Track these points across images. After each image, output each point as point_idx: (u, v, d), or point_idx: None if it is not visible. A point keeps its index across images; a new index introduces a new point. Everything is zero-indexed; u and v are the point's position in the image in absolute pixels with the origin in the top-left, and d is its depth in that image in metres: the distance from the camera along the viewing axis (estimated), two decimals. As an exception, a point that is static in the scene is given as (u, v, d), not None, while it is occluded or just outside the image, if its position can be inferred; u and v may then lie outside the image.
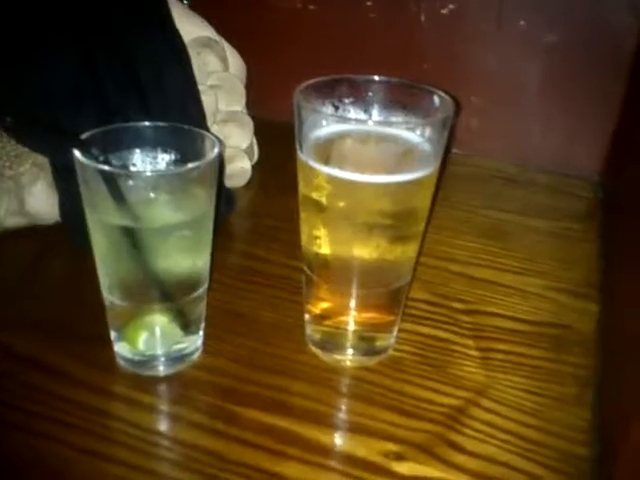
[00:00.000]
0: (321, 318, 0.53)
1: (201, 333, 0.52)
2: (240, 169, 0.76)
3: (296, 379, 0.50)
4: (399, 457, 0.44)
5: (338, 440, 0.45)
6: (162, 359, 0.50)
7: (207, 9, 0.76)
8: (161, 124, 0.49)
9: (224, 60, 0.75)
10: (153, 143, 0.49)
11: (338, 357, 0.52)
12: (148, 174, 0.47)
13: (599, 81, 0.80)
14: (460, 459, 0.44)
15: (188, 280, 0.49)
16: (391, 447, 0.45)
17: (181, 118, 0.65)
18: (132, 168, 0.49)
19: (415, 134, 0.46)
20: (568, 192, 0.82)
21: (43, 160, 0.62)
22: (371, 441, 0.45)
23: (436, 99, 0.48)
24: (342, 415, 0.47)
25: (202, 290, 0.50)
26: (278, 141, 0.81)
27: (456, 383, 0.50)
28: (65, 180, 0.61)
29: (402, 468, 0.43)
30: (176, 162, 0.49)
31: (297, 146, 0.48)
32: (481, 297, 0.61)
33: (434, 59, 0.85)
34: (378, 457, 0.44)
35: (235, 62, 0.77)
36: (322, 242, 0.48)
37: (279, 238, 0.68)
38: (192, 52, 0.70)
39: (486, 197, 0.79)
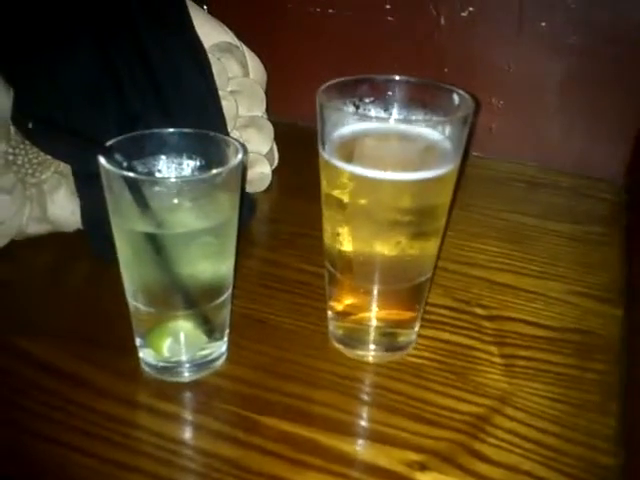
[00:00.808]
0: (344, 315, 0.53)
1: (225, 339, 0.52)
2: (260, 174, 0.76)
3: (317, 387, 0.50)
4: (422, 467, 0.44)
5: (360, 449, 0.45)
6: (187, 365, 0.50)
7: (227, 14, 0.77)
8: (186, 130, 0.49)
9: (244, 65, 0.75)
10: (178, 149, 0.49)
11: (360, 353, 0.53)
12: (172, 180, 0.48)
13: (621, 82, 0.79)
14: (483, 468, 0.44)
15: (212, 286, 0.49)
16: (414, 457, 0.44)
17: (201, 123, 0.65)
18: (157, 174, 0.49)
19: (436, 132, 0.47)
20: (590, 195, 0.81)
21: (65, 168, 0.63)
22: (393, 450, 0.45)
23: (456, 97, 0.49)
24: (363, 423, 0.47)
25: (226, 296, 0.50)
26: (298, 145, 0.82)
27: (478, 390, 0.50)
28: (87, 188, 0.62)
29: (425, 478, 0.43)
30: (201, 168, 0.49)
31: (319, 145, 0.48)
32: (503, 302, 0.60)
33: (454, 62, 0.84)
34: (401, 467, 0.44)
35: (255, 67, 0.77)
36: (345, 239, 0.49)
37: (299, 244, 0.68)
38: (212, 57, 0.70)
39: (507, 200, 0.78)
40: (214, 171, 0.45)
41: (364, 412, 0.48)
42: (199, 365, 0.51)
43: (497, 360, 0.53)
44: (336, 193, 0.48)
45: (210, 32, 0.72)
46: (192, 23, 0.70)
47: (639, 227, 0.68)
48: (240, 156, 0.46)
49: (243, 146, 0.47)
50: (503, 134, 0.86)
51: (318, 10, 0.89)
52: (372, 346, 0.53)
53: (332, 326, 0.55)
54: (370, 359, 0.53)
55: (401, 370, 0.52)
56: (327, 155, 0.48)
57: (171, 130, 0.49)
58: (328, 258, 0.52)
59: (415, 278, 0.51)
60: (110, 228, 0.61)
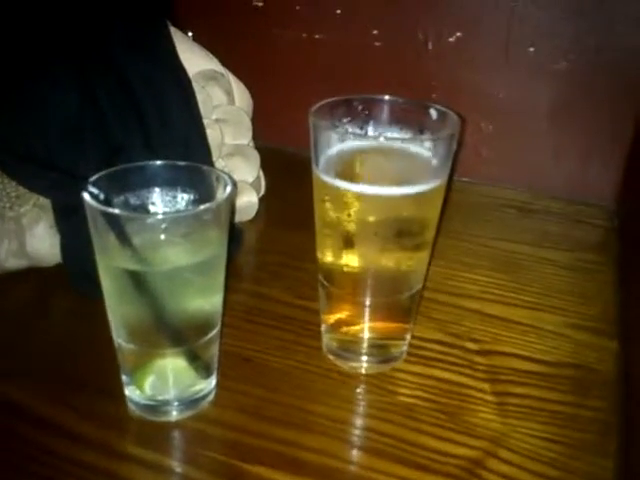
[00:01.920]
0: (337, 327, 0.55)
1: (214, 374, 0.50)
2: (247, 203, 0.75)
3: (306, 431, 0.48)
4: (413, 516, 0.42)
5: (350, 498, 0.43)
6: (175, 403, 0.49)
7: (211, 41, 0.76)
8: (179, 163, 0.48)
9: (229, 93, 0.74)
10: (172, 182, 0.48)
11: (354, 365, 0.54)
12: (157, 217, 0.46)
13: (610, 106, 0.79)
14: (477, 516, 0.42)
15: (200, 323, 0.48)
16: (405, 505, 0.43)
17: (185, 154, 0.64)
18: (151, 207, 0.48)
19: (424, 149, 0.49)
20: (582, 221, 0.80)
21: (45, 201, 0.61)
22: (383, 499, 0.43)
23: (440, 114, 0.51)
24: (353, 470, 0.45)
25: (215, 332, 0.49)
26: (286, 172, 0.81)
27: (471, 432, 0.48)
28: (67, 222, 0.60)
29: (417, 529, 0.41)
30: (195, 202, 0.48)
31: (313, 163, 0.50)
32: (495, 336, 0.59)
33: (442, 87, 0.84)
34: (391, 517, 0.42)
35: (241, 94, 0.76)
36: (337, 254, 0.51)
37: (287, 276, 0.66)
38: (197, 86, 0.69)
39: (497, 227, 0.77)
40: (201, 207, 0.44)
41: (354, 457, 0.46)
42: (188, 403, 0.49)
43: (490, 398, 0.51)
44: (331, 209, 0.49)
45: (194, 60, 0.71)
46: (176, 51, 0.68)
47: (632, 253, 0.67)
48: (229, 190, 0.45)
49: (232, 180, 0.46)
50: (493, 159, 0.85)
51: (304, 35, 0.88)
52: (365, 357, 0.54)
53: (326, 338, 0.56)
54: (363, 370, 0.54)
55: (393, 411, 0.50)
56: (321, 173, 0.49)
57: (164, 162, 0.48)
58: (322, 272, 0.54)
59: (407, 290, 0.52)
60: (91, 264, 0.60)
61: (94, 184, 0.43)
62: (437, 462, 0.45)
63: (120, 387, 0.49)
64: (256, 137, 0.78)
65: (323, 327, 0.56)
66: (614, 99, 0.78)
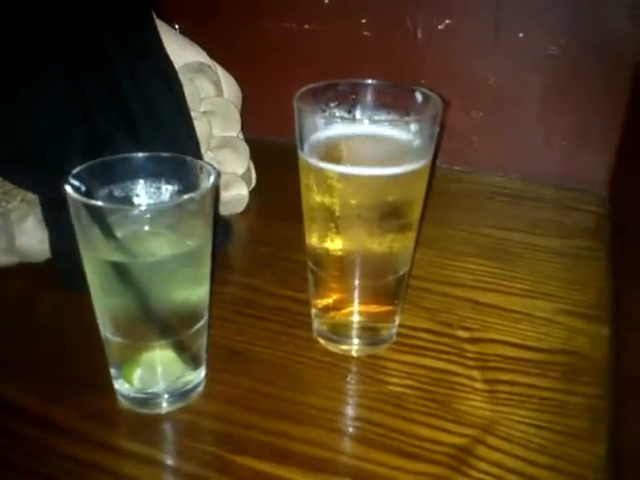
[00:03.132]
0: (327, 311, 0.55)
1: (203, 366, 0.50)
2: (237, 195, 0.75)
3: (294, 421, 0.48)
4: (402, 505, 0.42)
5: (338, 488, 0.43)
6: (165, 396, 0.48)
7: (199, 33, 0.75)
8: (163, 154, 0.48)
9: (217, 85, 0.73)
10: (156, 174, 0.48)
11: (345, 347, 0.55)
12: (141, 208, 0.46)
13: (602, 92, 0.78)
14: (467, 504, 0.42)
15: (187, 314, 0.47)
16: (394, 494, 0.42)
17: (172, 146, 0.63)
18: (135, 199, 0.48)
19: (409, 131, 0.50)
20: (575, 207, 0.79)
21: (33, 197, 0.61)
22: (373, 488, 0.43)
23: (425, 97, 0.52)
24: (343, 460, 0.45)
25: (202, 323, 0.48)
26: (276, 164, 0.80)
27: (461, 420, 0.48)
28: (55, 217, 0.60)
29: (405, 517, 0.41)
30: (179, 193, 0.48)
31: (299, 147, 0.51)
32: (487, 324, 0.59)
33: (432, 75, 0.83)
34: (380, 505, 0.42)
35: (229, 86, 0.75)
36: (325, 237, 0.51)
37: (277, 267, 0.66)
38: (184, 78, 0.68)
39: (489, 215, 0.77)
40: (185, 197, 0.44)
41: (343, 447, 0.46)
42: (177, 395, 0.49)
43: (479, 386, 0.51)
44: (319, 193, 0.50)
45: (181, 52, 0.70)
46: (162, 42, 0.68)
47: (624, 239, 0.67)
48: (212, 180, 0.45)
49: (216, 170, 0.46)
50: (484, 147, 0.85)
51: (294, 26, 0.88)
52: (355, 340, 0.55)
53: (316, 323, 0.56)
54: (354, 353, 0.55)
55: (382, 400, 0.50)
56: (307, 156, 0.50)
57: (148, 154, 0.48)
58: (310, 257, 0.54)
59: (393, 272, 0.53)
60: (78, 258, 0.59)
61: (76, 177, 0.43)
62: (427, 450, 0.45)
63: (109, 381, 0.49)
64: (245, 129, 0.77)
65: (313, 311, 0.56)
66: (605, 85, 0.77)
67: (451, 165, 0.84)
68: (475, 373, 0.52)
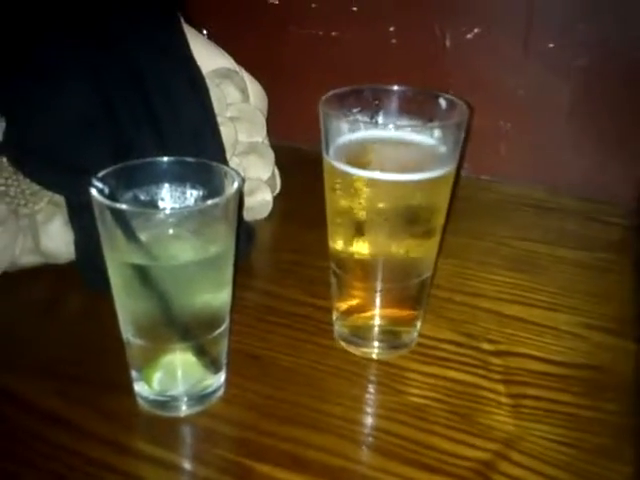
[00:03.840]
0: (349, 314, 0.56)
1: (224, 371, 0.50)
2: (261, 201, 0.75)
3: (314, 430, 0.47)
4: (422, 519, 0.41)
5: (358, 499, 0.43)
6: (184, 399, 0.48)
7: (226, 39, 0.75)
8: (188, 159, 0.49)
9: (244, 91, 0.73)
10: (181, 178, 0.48)
11: (365, 350, 0.55)
12: (165, 212, 0.46)
13: (630, 103, 0.77)
14: (488, 520, 0.41)
15: (208, 319, 0.48)
16: (414, 507, 0.42)
17: (198, 152, 0.64)
18: (160, 203, 0.48)
19: (433, 137, 0.50)
20: (601, 220, 0.78)
21: (60, 198, 0.61)
22: (393, 500, 0.42)
23: (450, 103, 0.52)
24: (362, 471, 0.45)
25: (223, 328, 0.48)
26: (300, 170, 0.80)
27: (484, 434, 0.47)
28: (80, 219, 0.60)
29: (426, 531, 0.40)
30: (204, 198, 0.48)
31: (324, 152, 0.51)
32: (511, 336, 0.58)
33: (459, 84, 0.82)
34: (400, 519, 0.41)
35: (256, 92, 0.76)
36: (350, 241, 0.52)
37: (300, 274, 0.66)
38: (211, 83, 0.69)
39: (514, 226, 0.76)
40: (209, 202, 0.44)
41: (363, 457, 0.46)
42: (197, 399, 0.49)
43: (504, 400, 0.50)
44: (341, 196, 0.51)
45: (209, 58, 0.71)
46: (190, 49, 0.68)
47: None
48: (236, 186, 0.45)
49: (240, 176, 0.46)
50: (511, 157, 0.84)
51: (320, 33, 0.88)
52: (376, 343, 0.55)
53: (337, 326, 0.57)
54: (374, 356, 0.55)
55: (404, 412, 0.49)
56: (333, 160, 0.50)
57: (174, 159, 0.48)
58: (333, 260, 0.55)
59: (416, 277, 0.53)
60: (102, 259, 0.60)
61: (100, 179, 0.43)
62: (448, 464, 0.45)
63: (129, 382, 0.49)
64: (271, 135, 0.77)
65: (335, 315, 0.57)
66: (634, 96, 0.76)
67: (478, 174, 0.83)
68: (500, 387, 0.52)
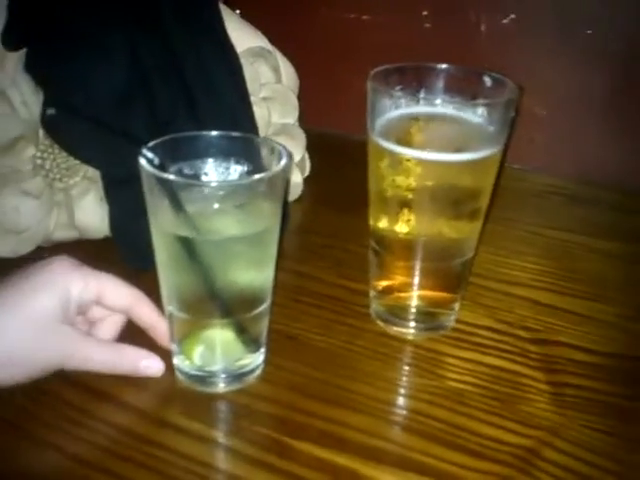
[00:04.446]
0: (388, 293, 0.56)
1: (263, 350, 0.50)
2: (292, 182, 0.74)
3: (351, 410, 0.47)
4: (467, 502, 0.40)
5: (399, 481, 0.42)
6: (222, 375, 0.48)
7: (259, 19, 0.74)
8: (234, 134, 0.48)
9: (277, 71, 0.73)
10: (226, 153, 0.48)
11: (402, 330, 0.55)
12: (211, 185, 0.46)
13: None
14: (532, 506, 0.41)
15: (250, 296, 0.47)
16: (457, 491, 0.41)
17: (232, 127, 0.63)
18: (204, 178, 0.48)
19: (478, 115, 0.50)
20: (635, 211, 0.77)
21: (94, 173, 0.61)
22: (435, 483, 0.42)
23: (496, 82, 0.52)
24: (402, 452, 0.44)
25: (264, 307, 0.48)
26: (330, 154, 0.80)
27: (526, 421, 0.47)
28: (116, 192, 0.59)
29: (470, 515, 0.40)
30: (248, 173, 0.48)
31: (370, 130, 0.51)
32: (548, 325, 0.57)
33: (494, 70, 0.81)
34: (444, 502, 0.41)
35: (288, 73, 0.75)
36: (394, 219, 0.51)
37: (330, 256, 0.65)
38: (245, 62, 0.68)
39: (548, 215, 0.75)
40: (256, 176, 0.44)
41: (401, 439, 0.45)
42: (235, 376, 0.48)
43: (545, 388, 0.50)
44: (388, 175, 0.50)
45: (243, 36, 0.70)
46: (224, 27, 0.67)
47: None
48: (284, 162, 0.44)
49: (288, 152, 0.45)
50: (545, 146, 0.83)
51: (352, 16, 0.87)
52: (413, 324, 0.55)
53: (375, 304, 0.56)
54: (410, 337, 0.54)
55: (442, 395, 0.49)
56: (377, 137, 0.50)
57: (220, 133, 0.48)
58: (374, 238, 0.54)
59: (459, 257, 0.53)
60: (139, 235, 0.59)
61: (150, 150, 0.43)
62: (491, 449, 0.44)
63: (168, 357, 0.49)
64: (300, 119, 0.77)
65: (372, 293, 0.57)
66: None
67: (511, 163, 0.82)
68: (539, 375, 0.51)
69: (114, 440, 0.44)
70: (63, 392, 0.47)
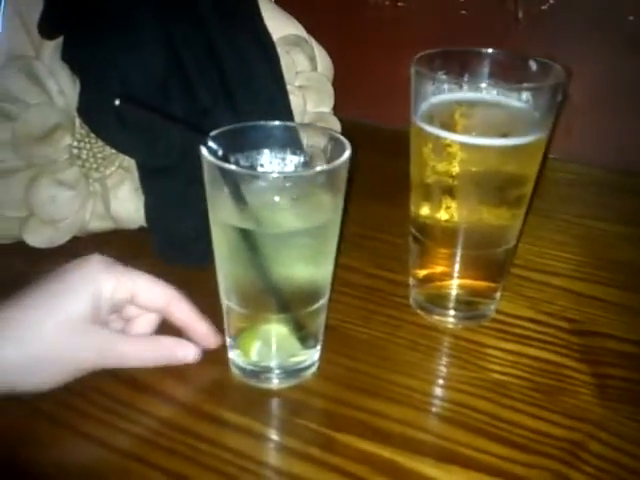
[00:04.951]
0: (428, 281, 0.55)
1: (319, 347, 0.49)
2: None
3: (393, 402, 0.46)
4: (514, 497, 0.40)
5: (444, 474, 0.41)
6: (277, 371, 0.48)
7: (294, 6, 0.74)
8: (290, 124, 0.47)
9: (312, 59, 0.72)
10: (282, 144, 0.47)
11: (441, 319, 0.54)
12: (274, 176, 0.45)
13: None
14: (582, 501, 0.40)
15: (308, 291, 0.46)
16: (503, 484, 0.40)
17: (269, 120, 0.63)
18: (259, 169, 0.47)
19: (522, 101, 0.49)
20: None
21: (130, 163, 0.61)
22: (481, 476, 0.41)
23: (543, 67, 0.51)
24: (445, 445, 0.43)
25: (322, 302, 0.47)
26: (364, 144, 0.78)
27: (571, 413, 0.46)
28: (152, 183, 0.59)
29: (517, 509, 0.39)
30: (305, 164, 0.47)
31: (413, 115, 0.50)
32: (589, 316, 0.56)
33: (531, 57, 0.80)
34: (490, 496, 0.40)
35: (323, 61, 0.74)
36: (437, 205, 0.51)
37: (366, 246, 0.65)
38: (281, 51, 0.67)
39: (587, 206, 0.74)
40: (317, 168, 0.43)
41: (445, 432, 0.44)
42: (290, 373, 0.48)
43: (589, 379, 0.49)
44: (432, 160, 0.49)
45: (278, 24, 0.69)
46: (260, 15, 0.67)
47: None
48: (347, 154, 0.43)
49: (350, 144, 0.44)
50: (583, 135, 0.81)
51: (387, 3, 0.86)
52: (452, 312, 0.54)
53: (414, 292, 0.56)
54: (450, 325, 0.54)
55: (485, 387, 0.48)
56: (420, 122, 0.49)
57: (276, 123, 0.47)
58: (415, 225, 0.54)
59: (503, 244, 0.52)
60: (174, 226, 0.59)
61: (214, 139, 0.42)
62: (537, 442, 0.43)
63: (223, 351, 0.49)
64: (335, 108, 0.76)
65: (412, 281, 0.56)
66: None
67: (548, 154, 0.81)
68: (583, 366, 0.50)
69: (163, 434, 0.43)
70: (108, 385, 0.47)
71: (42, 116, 0.58)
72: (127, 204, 0.62)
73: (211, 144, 0.42)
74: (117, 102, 0.40)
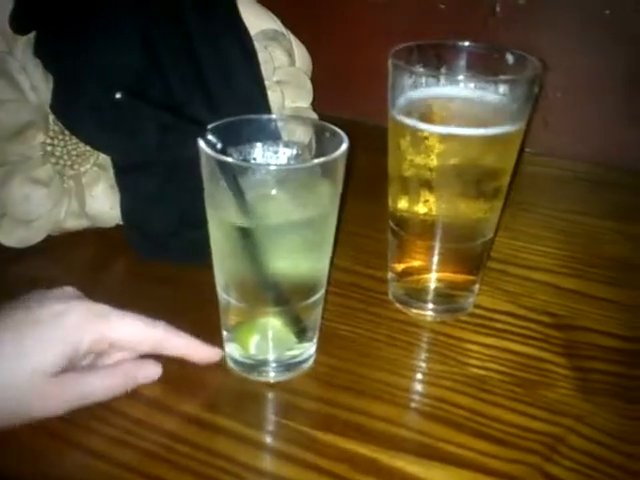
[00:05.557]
0: (406, 274, 0.55)
1: (315, 340, 0.49)
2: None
3: (374, 399, 0.46)
4: (493, 492, 0.40)
5: (424, 471, 0.41)
6: (273, 365, 0.47)
7: (272, 0, 0.73)
8: (284, 116, 0.46)
9: (291, 54, 0.71)
10: (274, 136, 0.47)
11: (420, 312, 0.54)
12: (271, 168, 0.45)
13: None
14: (561, 495, 0.40)
15: (305, 283, 0.46)
16: (483, 480, 0.40)
17: (247, 113, 0.62)
18: (252, 162, 0.47)
19: (499, 93, 0.49)
20: (656, 194, 0.76)
21: (105, 160, 0.60)
22: (461, 472, 0.41)
23: (518, 59, 0.51)
24: (426, 441, 0.43)
25: (319, 295, 0.47)
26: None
27: (551, 407, 0.46)
28: (128, 181, 0.58)
29: (497, 504, 0.39)
30: (298, 157, 0.47)
31: (391, 108, 0.50)
32: (571, 310, 0.56)
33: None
34: (470, 491, 0.40)
35: (301, 56, 0.73)
36: (415, 199, 0.51)
37: (350, 244, 0.63)
38: (259, 46, 0.66)
39: (568, 200, 0.74)
40: (315, 161, 0.43)
41: (428, 429, 0.44)
42: (286, 366, 0.48)
43: (569, 373, 0.49)
44: (410, 153, 0.49)
45: (256, 19, 0.68)
46: (238, 9, 0.66)
47: None
48: (345, 146, 0.43)
49: (346, 136, 0.44)
50: (562, 129, 0.81)
51: (366, -2, 0.85)
52: (431, 305, 0.54)
53: (393, 287, 0.56)
54: (428, 318, 0.54)
55: (465, 382, 0.48)
56: (398, 115, 0.49)
57: (268, 116, 0.47)
58: (393, 219, 0.54)
59: (480, 237, 0.53)
60: (149, 222, 0.58)
61: (212, 133, 0.42)
62: (516, 437, 0.43)
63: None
64: (313, 103, 0.75)
65: (390, 275, 0.56)
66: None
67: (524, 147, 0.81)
68: (563, 360, 0.50)
69: (160, 444, 0.42)
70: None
71: (14, 113, 0.57)
72: (103, 202, 0.61)
73: (210, 137, 0.41)
74: (118, 95, 0.39)
